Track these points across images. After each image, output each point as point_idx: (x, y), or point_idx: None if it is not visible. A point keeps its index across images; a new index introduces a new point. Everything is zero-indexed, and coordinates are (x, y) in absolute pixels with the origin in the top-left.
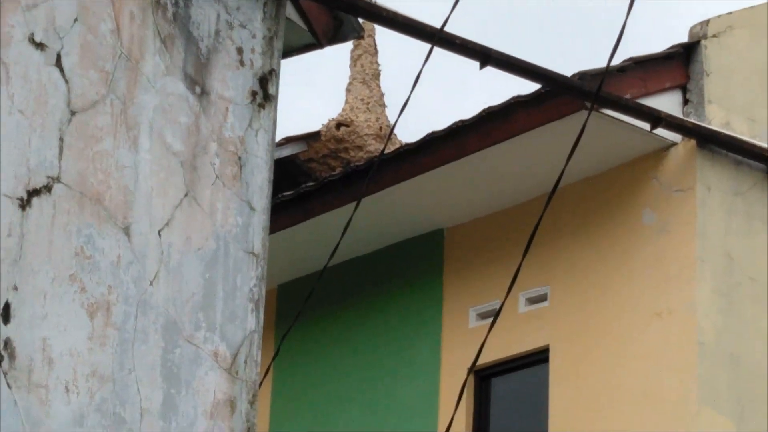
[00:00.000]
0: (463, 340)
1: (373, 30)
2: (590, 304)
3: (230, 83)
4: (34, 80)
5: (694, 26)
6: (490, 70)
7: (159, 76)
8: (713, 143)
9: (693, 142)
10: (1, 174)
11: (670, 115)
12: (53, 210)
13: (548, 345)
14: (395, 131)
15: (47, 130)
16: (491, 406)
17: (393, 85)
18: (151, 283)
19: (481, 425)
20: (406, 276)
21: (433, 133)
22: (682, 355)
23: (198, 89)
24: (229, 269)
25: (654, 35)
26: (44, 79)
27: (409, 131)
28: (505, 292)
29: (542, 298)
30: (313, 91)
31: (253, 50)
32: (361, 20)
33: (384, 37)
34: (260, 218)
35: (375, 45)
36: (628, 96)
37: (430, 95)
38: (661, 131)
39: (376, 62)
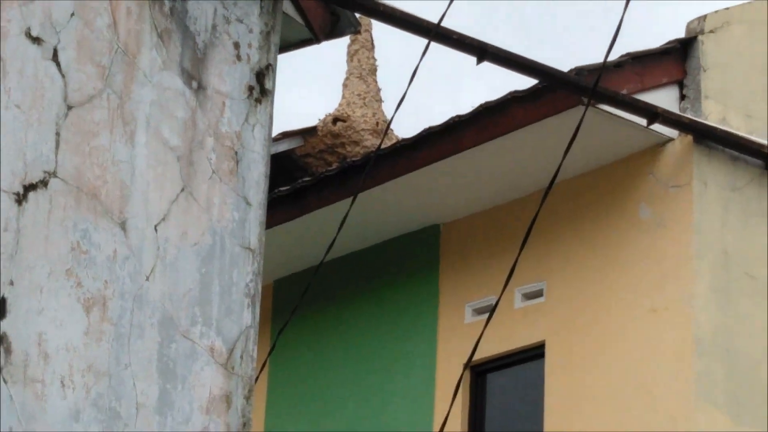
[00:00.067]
0: (459, 336)
1: (369, 25)
2: (586, 299)
3: (227, 78)
4: (30, 75)
5: (691, 22)
6: (487, 66)
7: (156, 70)
8: (710, 139)
9: (690, 137)
10: None
11: (666, 111)
12: (49, 205)
13: (544, 340)
14: (392, 126)
15: (44, 124)
16: (487, 401)
17: (390, 81)
18: (147, 278)
19: (476, 421)
20: (403, 271)
21: (430, 128)
22: (678, 350)
23: (195, 84)
24: (226, 264)
25: (651, 31)
26: (41, 74)
27: (406, 126)
28: (501, 288)
29: (538, 294)
30: (310, 86)
31: (249, 45)
32: (357, 15)
33: (381, 32)
34: (256, 213)
35: (372, 40)
36: (625, 91)
37: (426, 90)
38: (657, 127)
39: (373, 57)
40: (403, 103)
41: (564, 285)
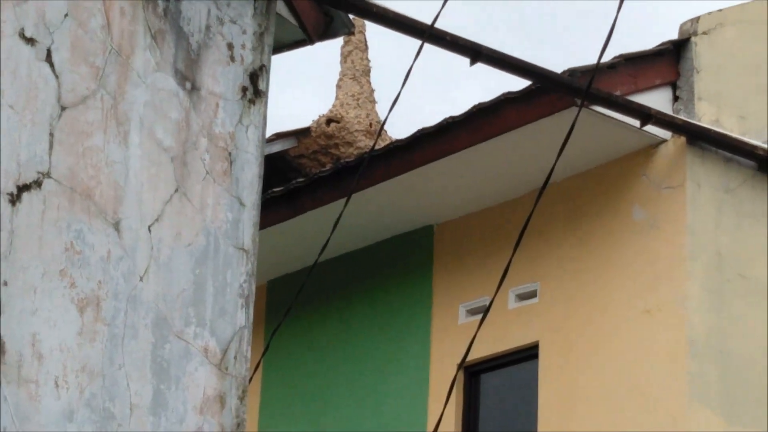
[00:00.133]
0: (453, 336)
1: (363, 26)
2: (580, 300)
3: (220, 79)
4: (24, 75)
5: (685, 23)
6: (481, 67)
7: (149, 71)
8: (703, 140)
9: (683, 139)
10: None
11: (660, 112)
12: (43, 205)
13: (537, 341)
14: (385, 127)
15: (37, 125)
16: (480, 402)
17: (383, 82)
18: (141, 279)
19: (470, 421)
20: (396, 272)
21: (423, 129)
22: (671, 351)
23: (188, 85)
24: (219, 265)
25: (644, 32)
26: (34, 75)
27: (399, 127)
28: (494, 289)
29: (532, 295)
30: (304, 87)
31: (243, 46)
32: (351, 16)
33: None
34: (250, 214)
35: (365, 41)
36: (618, 93)
37: (420, 92)
38: (651, 128)
39: (367, 58)
40: (397, 104)
41: (557, 286)
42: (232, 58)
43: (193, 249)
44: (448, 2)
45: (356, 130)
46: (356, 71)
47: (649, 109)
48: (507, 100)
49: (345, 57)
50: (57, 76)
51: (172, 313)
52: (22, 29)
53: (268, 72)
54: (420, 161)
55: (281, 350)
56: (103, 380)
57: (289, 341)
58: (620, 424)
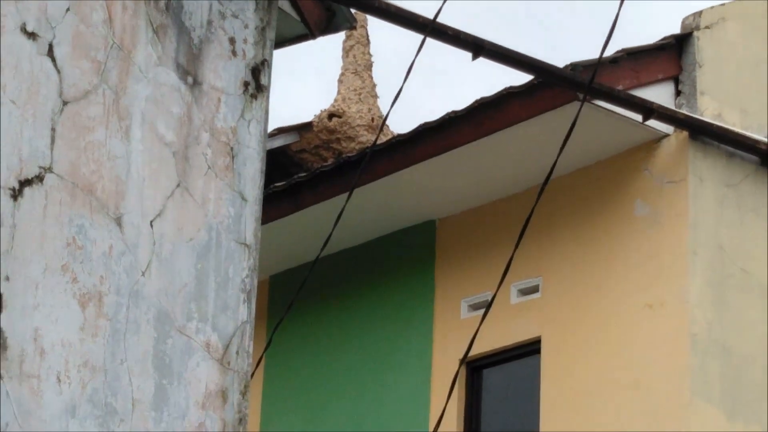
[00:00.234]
0: (455, 331)
1: (365, 21)
2: (582, 295)
3: (222, 73)
4: (25, 70)
5: (687, 18)
6: (483, 61)
7: (151, 66)
8: (705, 135)
9: (685, 133)
10: None
11: (662, 107)
12: (45, 200)
13: (540, 336)
14: (387, 122)
15: (39, 120)
16: (483, 397)
17: (385, 76)
18: (143, 274)
19: (472, 416)
20: (398, 267)
21: (426, 124)
22: (674, 346)
23: (190, 79)
24: (221, 260)
25: (647, 27)
26: (36, 69)
27: (401, 122)
28: (496, 284)
29: (534, 290)
30: (305, 81)
31: (245, 40)
32: (353, 11)
33: (376, 28)
34: (252, 209)
35: (367, 36)
36: (620, 87)
37: (422, 86)
38: (653, 122)
39: (369, 53)
40: (399, 98)
41: (560, 281)
42: (234, 53)
43: (195, 244)
44: None
45: (358, 125)
46: (358, 66)
47: (652, 103)
48: (509, 94)
49: (347, 52)
50: (59, 71)
51: (174, 308)
52: (24, 24)
53: (269, 67)
54: (422, 156)
55: (283, 345)
56: (105, 375)
57: (291, 336)
58: (622, 418)
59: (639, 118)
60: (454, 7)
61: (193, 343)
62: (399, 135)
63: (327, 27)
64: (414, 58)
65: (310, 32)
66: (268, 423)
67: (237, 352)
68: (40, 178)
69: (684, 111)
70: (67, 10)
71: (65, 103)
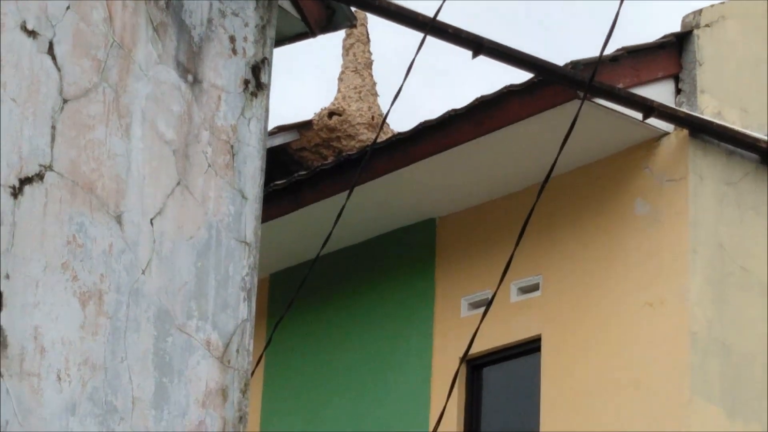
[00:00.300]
0: (455, 330)
1: (365, 19)
2: (582, 293)
3: (222, 72)
4: (26, 68)
5: (687, 16)
6: (483, 60)
7: (151, 64)
8: (705, 133)
9: (685, 131)
10: None
11: (662, 105)
12: (45, 198)
13: (540, 334)
14: (387, 120)
15: (39, 118)
16: (483, 395)
17: (385, 75)
18: (143, 272)
19: (472, 415)
20: (398, 265)
21: (426, 122)
22: (674, 344)
23: (190, 77)
24: (221, 258)
25: (647, 25)
26: (36, 67)
27: (402, 120)
28: (497, 282)
29: (534, 288)
30: (305, 80)
31: (245, 39)
32: (353, 9)
33: (376, 26)
34: (252, 207)
35: (367, 34)
36: (620, 85)
37: (422, 84)
38: (653, 121)
39: (369, 51)
40: (399, 97)
41: (560, 279)
42: (234, 51)
43: (195, 242)
44: None
45: (358, 123)
46: (358, 64)
47: (652, 101)
48: (509, 92)
49: (347, 50)
50: (59, 69)
51: (174, 307)
52: (24, 22)
53: (270, 65)
54: (422, 154)
55: (283, 344)
56: (106, 373)
57: (291, 335)
58: (622, 417)
59: (639, 116)
60: (454, 6)
61: (194, 342)
62: (399, 133)
63: (327, 25)
64: (414, 57)
65: (310, 30)
66: (269, 421)
67: (237, 351)
68: (40, 176)
69: (684, 109)
70: (68, 8)
71: (65, 102)
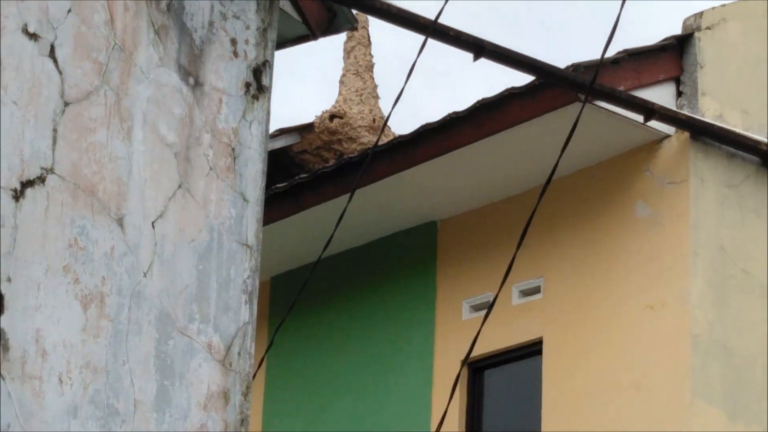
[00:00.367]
0: (457, 332)
1: (366, 21)
2: (584, 296)
3: (224, 74)
4: (27, 71)
5: (688, 18)
6: (484, 62)
7: (153, 67)
8: (706, 135)
9: (686, 134)
10: None
11: (663, 107)
12: (47, 201)
13: (541, 337)
14: (389, 123)
15: (41, 121)
16: (484, 398)
17: (386, 77)
18: (145, 275)
19: (474, 417)
20: (400, 268)
21: (427, 124)
22: (675, 347)
23: (191, 80)
24: (223, 261)
25: (648, 28)
26: (38, 70)
27: (403, 123)
28: (498, 284)
29: (535, 291)
30: (307, 82)
31: (246, 41)
32: (354, 12)
33: (377, 28)
34: (254, 210)
35: (368, 37)
36: (621, 88)
37: (423, 87)
38: (654, 123)
39: (370, 54)
40: (400, 99)
41: (561, 281)
42: (236, 54)
43: (196, 245)
44: None
45: (359, 126)
46: (359, 67)
47: (653, 104)
48: (510, 95)
49: (348, 52)
50: (60, 72)
51: (176, 309)
52: (26, 25)
53: (271, 67)
54: (423, 157)
55: (285, 346)
56: (107, 376)
57: (292, 337)
58: (623, 420)
59: (640, 118)
60: (455, 7)
61: (195, 344)
62: (400, 136)
63: (328, 28)
64: (415, 59)
65: (311, 33)
66: (270, 424)
67: (239, 353)
68: (41, 179)
69: (685, 112)
70: (69, 11)
71: (67, 104)
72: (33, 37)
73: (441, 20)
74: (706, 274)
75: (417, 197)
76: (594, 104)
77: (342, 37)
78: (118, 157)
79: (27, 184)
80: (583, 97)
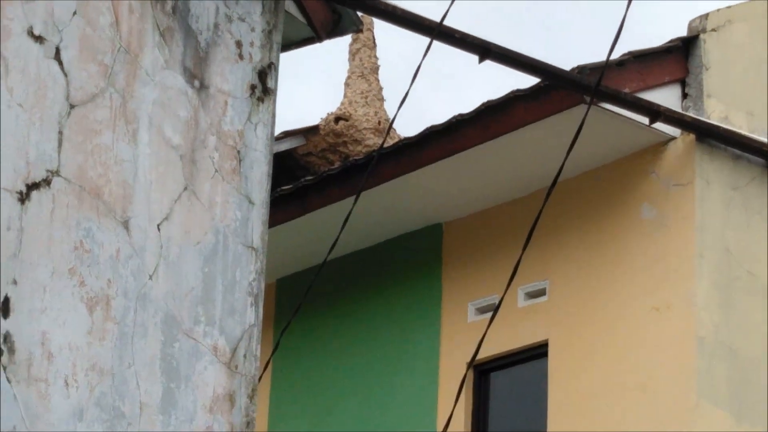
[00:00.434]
0: (462, 335)
1: (371, 24)
2: (589, 298)
3: (229, 77)
4: (33, 73)
5: (693, 20)
6: (490, 64)
7: (158, 69)
8: (712, 137)
9: (692, 136)
10: (0, 167)
11: (669, 110)
12: (52, 204)
13: (547, 339)
14: (394, 125)
15: (46, 123)
16: (490, 400)
17: (392, 79)
18: (151, 277)
19: (480, 420)
20: (405, 270)
21: (432, 127)
22: (680, 349)
23: (197, 83)
24: (228, 263)
25: (653, 29)
26: (43, 73)
27: (408, 125)
28: (504, 287)
29: (541, 293)
30: (312, 85)
31: (252, 44)
32: (359, 14)
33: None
34: (259, 212)
35: (373, 39)
36: (627, 90)
37: (428, 89)
38: (660, 125)
39: (375, 56)
40: (405, 101)
41: (567, 283)
42: (241, 56)
43: (202, 247)
44: (457, 1)
45: (365, 128)
46: (365, 69)
47: (658, 106)
48: (516, 97)
49: (353, 55)
50: (66, 74)
51: (182, 312)
52: (31, 27)
53: (276, 70)
54: (429, 159)
55: (290, 349)
56: (113, 379)
57: (298, 340)
58: (629, 422)
59: (646, 120)
60: (459, 8)
61: (201, 347)
62: (406, 138)
63: (333, 30)
64: (421, 61)
65: (316, 35)
66: (276, 426)
67: (244, 356)
68: (47, 182)
69: (691, 114)
70: (74, 13)
71: (72, 107)
72: (38, 39)
73: (446, 21)
74: (712, 276)
75: (422, 199)
76: (599, 106)
77: (347, 39)
78: (124, 160)
79: (32, 186)
80: (588, 99)
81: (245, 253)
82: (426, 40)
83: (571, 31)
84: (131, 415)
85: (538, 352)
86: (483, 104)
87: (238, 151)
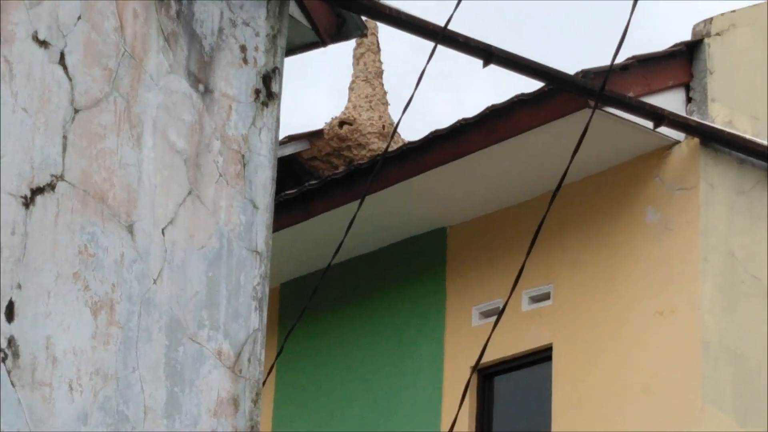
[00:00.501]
0: (466, 339)
1: (375, 28)
2: (593, 302)
3: (233, 81)
4: (37, 78)
5: (698, 24)
6: (494, 69)
7: (162, 74)
8: (716, 141)
9: (696, 140)
10: (4, 172)
11: (673, 114)
12: (57, 208)
13: (551, 343)
14: (398, 130)
15: (51, 128)
16: (494, 404)
17: (396, 84)
18: (155, 282)
19: (484, 424)
20: (409, 274)
21: (437, 131)
22: (685, 353)
23: (201, 87)
24: (233, 267)
25: (657, 34)
26: (48, 77)
27: (412, 129)
28: (508, 291)
29: (545, 297)
30: (316, 89)
31: (256, 48)
32: (364, 18)
33: (387, 35)
34: (263, 216)
35: (378, 43)
36: (631, 94)
37: (432, 93)
38: (664, 129)
39: (379, 60)
40: (410, 106)
41: (571, 287)
42: (245, 61)
43: (206, 252)
44: (461, 4)
45: (369, 132)
46: (369, 73)
47: (662, 110)
48: (520, 101)
49: (357, 59)
50: (70, 79)
51: (186, 316)
52: (36, 32)
53: (281, 74)
54: (433, 163)
55: (295, 353)
56: (117, 383)
57: (302, 344)
58: (633, 426)
59: (650, 125)
60: (462, 10)
61: (205, 351)
62: (410, 142)
63: (338, 34)
64: (425, 66)
65: (320, 40)
66: (280, 430)
67: (248, 360)
68: (51, 186)
69: (695, 118)
70: (79, 18)
71: (77, 111)
72: (43, 44)
73: (450, 26)
74: (716, 280)
75: (426, 203)
76: (603, 110)
77: (351, 43)
78: (128, 164)
79: (37, 191)
80: (592, 103)
81: (249, 257)
82: (430, 43)
83: (574, 34)
84: (135, 419)
85: (542, 356)
86: (487, 108)
87: (243, 156)
